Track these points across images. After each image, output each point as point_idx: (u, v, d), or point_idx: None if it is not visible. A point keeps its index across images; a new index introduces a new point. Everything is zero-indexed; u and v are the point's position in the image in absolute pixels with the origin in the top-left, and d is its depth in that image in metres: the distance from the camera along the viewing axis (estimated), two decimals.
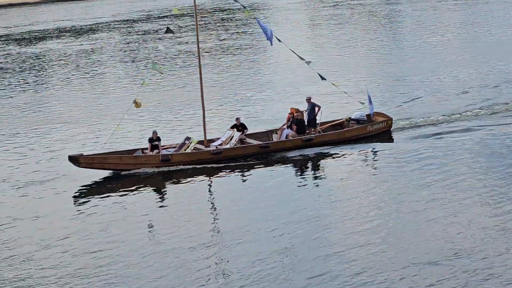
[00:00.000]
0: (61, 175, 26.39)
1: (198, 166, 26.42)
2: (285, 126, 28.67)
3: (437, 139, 28.07)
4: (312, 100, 28.83)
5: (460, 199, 21.71)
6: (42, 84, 45.31)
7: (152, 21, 78.07)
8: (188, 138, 27.54)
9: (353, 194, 22.72)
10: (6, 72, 50.52)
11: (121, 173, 26.22)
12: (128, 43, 61.64)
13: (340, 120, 29.84)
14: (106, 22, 79.98)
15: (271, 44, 28.63)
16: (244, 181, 25.30)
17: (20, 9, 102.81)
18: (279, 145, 27.71)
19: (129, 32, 69.88)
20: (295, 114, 28.54)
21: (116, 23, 78.84)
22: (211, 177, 25.67)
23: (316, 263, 18.03)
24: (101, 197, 24.02)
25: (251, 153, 27.23)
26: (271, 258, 18.47)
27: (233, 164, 26.56)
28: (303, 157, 27.11)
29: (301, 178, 25.20)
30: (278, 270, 17.81)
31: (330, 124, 29.59)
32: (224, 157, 26.88)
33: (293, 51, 29.19)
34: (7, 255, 19.69)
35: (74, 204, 23.70)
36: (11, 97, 42.00)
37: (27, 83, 45.90)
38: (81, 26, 77.66)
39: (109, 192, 24.53)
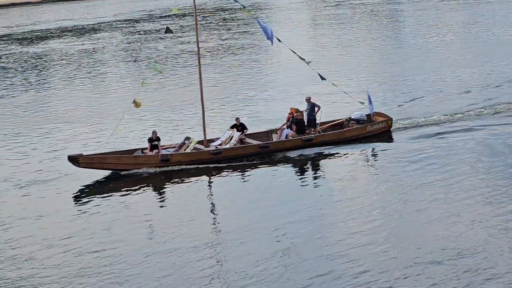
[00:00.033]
0: (61, 175, 26.40)
1: (197, 166, 26.41)
2: (285, 126, 28.66)
3: (437, 139, 28.03)
4: (311, 100, 28.83)
5: (461, 198, 21.69)
6: (43, 84, 45.34)
7: (154, 21, 78.09)
8: (187, 138, 27.53)
9: (353, 194, 22.70)
10: (7, 72, 50.56)
11: (121, 173, 26.22)
12: (129, 43, 61.67)
13: (340, 120, 29.81)
14: (108, 22, 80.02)
15: (272, 44, 28.64)
16: (243, 181, 25.29)
17: (22, 8, 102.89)
18: (278, 145, 27.69)
19: (130, 32, 69.90)
20: (295, 114, 28.52)
21: (117, 22, 78.88)
22: (210, 177, 25.66)
23: (317, 263, 18.01)
24: (101, 197, 24.01)
25: (251, 153, 27.22)
26: (271, 258, 18.45)
27: (232, 164, 26.54)
28: (302, 157, 27.09)
29: (301, 178, 25.18)
30: (278, 270, 17.79)
31: (330, 124, 29.56)
32: (223, 157, 26.87)
33: (293, 51, 29.17)
34: (9, 255, 19.72)
35: (74, 204, 23.70)
36: (13, 96, 42.04)
37: (29, 82, 45.96)
38: (82, 25, 77.70)
39: (108, 192, 24.53)
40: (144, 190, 24.59)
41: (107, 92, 41.68)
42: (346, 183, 23.93)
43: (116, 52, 57.04)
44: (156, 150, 26.85)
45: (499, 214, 20.39)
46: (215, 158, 26.83)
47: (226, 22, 73.11)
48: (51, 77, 47.59)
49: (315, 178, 25.16)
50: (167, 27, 27.71)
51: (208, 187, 25.21)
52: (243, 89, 39.67)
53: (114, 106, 37.14)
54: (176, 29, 68.57)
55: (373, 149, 27.79)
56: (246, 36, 61.87)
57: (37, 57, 56.54)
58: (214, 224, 21.49)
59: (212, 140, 28.05)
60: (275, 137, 28.50)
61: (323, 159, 26.94)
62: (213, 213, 22.48)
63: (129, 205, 23.19)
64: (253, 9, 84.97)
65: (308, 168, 26.50)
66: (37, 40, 67.36)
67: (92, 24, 78.25)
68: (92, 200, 23.81)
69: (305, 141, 27.82)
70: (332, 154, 27.21)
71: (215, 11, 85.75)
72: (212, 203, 23.57)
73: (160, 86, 41.68)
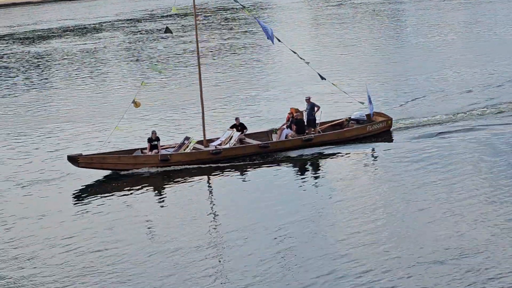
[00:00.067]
0: (61, 174, 26.42)
1: (197, 166, 26.39)
2: (284, 126, 28.63)
3: (438, 138, 28.00)
4: (311, 100, 28.80)
5: (462, 198, 21.68)
6: (44, 84, 45.35)
7: (156, 20, 78.08)
8: (187, 138, 27.51)
9: (353, 194, 22.68)
10: (9, 71, 50.56)
11: (120, 173, 26.21)
12: (131, 43, 61.67)
13: (340, 120, 29.79)
14: (109, 22, 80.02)
15: (273, 43, 28.58)
16: (243, 181, 25.28)
17: (23, 8, 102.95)
18: (278, 145, 27.67)
19: (132, 31, 69.90)
20: (294, 114, 28.49)
21: (119, 22, 78.88)
22: (210, 177, 25.65)
23: (318, 263, 17.99)
24: (100, 197, 24.01)
25: (251, 153, 27.19)
26: (272, 258, 18.44)
27: (232, 164, 26.52)
28: (302, 157, 27.06)
29: (301, 178, 25.16)
30: (279, 270, 17.78)
31: (329, 124, 29.54)
32: (223, 157, 26.85)
33: (293, 51, 29.15)
34: (10, 254, 19.74)
35: (74, 204, 23.70)
36: (14, 96, 42.03)
37: (31, 82, 45.97)
38: (84, 25, 77.72)
39: (108, 192, 24.52)
40: (143, 190, 24.58)
41: (108, 91, 41.69)
42: (345, 183, 23.91)
43: (117, 52, 57.05)
44: (155, 150, 26.83)
45: (501, 213, 20.38)
46: (214, 158, 26.81)
47: (227, 22, 73.10)
48: (53, 77, 47.61)
49: (314, 178, 25.14)
50: (167, 27, 27.70)
51: (208, 187, 25.19)
52: (243, 89, 39.64)
53: (115, 106, 37.14)
54: (177, 28, 68.59)
55: (373, 149, 27.77)
56: (246, 35, 61.85)
57: (38, 57, 56.56)
58: (214, 224, 21.47)
59: (211, 140, 28.03)
60: (275, 137, 28.47)
61: (322, 159, 26.91)
62: (213, 213, 22.47)
63: (128, 205, 23.18)
64: (254, 8, 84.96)
65: (307, 168, 26.47)
66: (39, 40, 67.40)
67: (93, 24, 78.26)
68: (91, 200, 23.81)
69: (304, 141, 27.79)
70: (332, 154, 27.19)
71: (217, 10, 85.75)
72: (211, 203, 23.55)
73: (159, 86, 41.67)
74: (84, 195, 24.54)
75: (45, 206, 23.38)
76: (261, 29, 28.30)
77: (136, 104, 27.13)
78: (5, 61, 55.29)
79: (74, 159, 25.88)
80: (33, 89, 43.71)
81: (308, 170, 26.26)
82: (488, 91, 35.43)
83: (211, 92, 38.12)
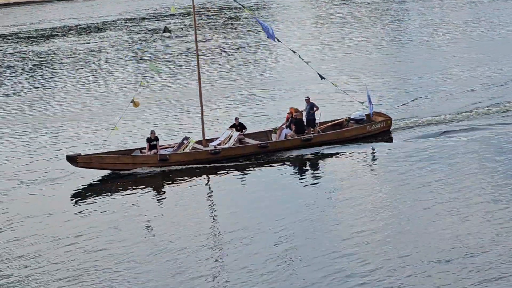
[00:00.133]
0: (61, 174, 26.41)
1: (196, 166, 26.36)
2: (284, 126, 28.58)
3: (438, 138, 27.94)
4: (311, 100, 28.75)
5: (462, 198, 21.67)
6: (47, 83, 45.37)
7: (159, 20, 78.07)
8: (186, 138, 27.48)
9: (352, 194, 22.64)
10: (12, 70, 50.59)
11: (120, 173, 26.19)
12: (134, 42, 61.65)
13: (340, 120, 29.73)
14: (113, 21, 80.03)
15: (274, 41, 28.43)
16: (242, 181, 25.25)
17: (27, 7, 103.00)
18: (277, 145, 27.62)
19: (135, 30, 69.90)
20: (294, 114, 28.44)
21: (122, 21, 78.89)
22: (209, 177, 25.62)
23: (319, 263, 17.98)
24: (100, 197, 24.02)
25: (250, 153, 27.15)
26: (272, 258, 18.44)
27: (231, 164, 26.49)
28: (302, 157, 27.02)
29: (300, 178, 25.13)
30: (279, 270, 17.79)
31: (329, 124, 29.48)
32: (222, 157, 26.81)
33: (292, 51, 29.08)
34: (11, 253, 19.78)
35: (73, 204, 23.73)
36: (18, 95, 42.03)
37: (34, 81, 45.96)
38: (87, 24, 77.74)
39: (107, 192, 24.53)
40: (142, 190, 24.57)
41: (110, 91, 41.67)
42: (345, 183, 23.87)
43: (120, 51, 57.03)
44: (154, 150, 26.81)
45: (507, 212, 20.36)
46: (213, 158, 26.77)
47: (229, 21, 73.07)
48: (55, 76, 47.64)
49: (314, 178, 25.10)
50: (165, 27, 27.67)
51: (207, 187, 25.16)
52: (243, 88, 39.58)
53: (117, 105, 37.11)
54: (180, 27, 68.56)
55: (373, 149, 27.73)
56: (247, 35, 61.77)
57: (41, 56, 56.58)
58: (213, 224, 21.47)
59: (211, 140, 27.99)
60: (274, 137, 28.43)
61: (322, 159, 26.86)
62: (212, 213, 22.45)
63: (127, 205, 23.15)
64: (257, 8, 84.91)
65: (307, 168, 26.43)
66: (42, 39, 67.43)
67: (97, 23, 78.27)
68: (90, 200, 23.82)
69: (304, 141, 27.74)
70: (331, 154, 27.14)
71: (220, 10, 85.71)
72: (210, 203, 23.53)
73: (159, 86, 41.63)
74: (83, 195, 24.54)
75: (45, 206, 23.40)
76: (262, 28, 28.20)
77: (135, 103, 27.10)
78: (8, 60, 55.33)
79: (73, 159, 25.87)
80: (35, 88, 43.72)
81: (308, 170, 26.22)
82: (492, 90, 35.33)
83: (211, 91, 38.10)
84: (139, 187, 24.81)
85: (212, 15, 79.96)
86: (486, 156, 25.43)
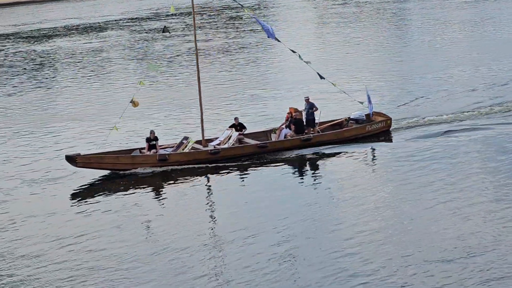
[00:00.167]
0: (61, 174, 26.43)
1: (195, 166, 26.34)
2: (283, 126, 28.56)
3: (438, 138, 27.91)
4: (310, 100, 28.72)
5: (463, 197, 21.67)
6: (49, 82, 45.39)
7: (161, 19, 78.04)
8: (186, 138, 27.47)
9: (352, 194, 22.64)
10: (14, 70, 50.62)
11: (119, 173, 26.18)
12: (136, 42, 61.65)
13: (339, 120, 29.70)
14: (115, 20, 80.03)
15: (275, 40, 28.39)
16: (241, 181, 25.24)
17: (29, 7, 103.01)
18: (277, 145, 27.59)
19: (137, 30, 69.89)
20: (293, 114, 28.42)
21: (124, 21, 78.89)
22: (209, 177, 25.61)
23: (319, 263, 17.98)
24: (100, 197, 24.05)
25: (249, 153, 27.13)
26: (272, 258, 18.44)
27: (231, 164, 26.47)
28: (301, 157, 27.00)
29: (299, 178, 25.12)
30: (280, 270, 17.80)
31: (329, 123, 29.46)
32: (221, 157, 26.80)
33: (292, 51, 29.06)
34: (11, 253, 19.80)
35: (72, 204, 23.75)
36: (20, 94, 42.05)
37: (35, 81, 45.98)
38: (89, 24, 77.74)
39: (106, 192, 24.53)
40: (142, 190, 24.57)
41: (112, 90, 41.65)
42: (344, 183, 23.87)
43: (122, 51, 57.03)
44: (154, 150, 26.80)
45: (509, 212, 20.34)
46: (213, 158, 26.75)
47: (230, 21, 73.05)
48: (57, 76, 47.66)
49: (313, 178, 25.09)
50: (165, 27, 27.66)
51: (206, 187, 25.15)
52: (242, 88, 39.54)
53: (117, 105, 37.10)
54: (181, 27, 68.56)
55: (372, 149, 27.70)
56: (248, 35, 61.72)
57: (43, 56, 56.60)
58: (212, 224, 21.47)
59: (210, 140, 27.98)
60: (273, 137, 28.40)
61: (321, 159, 26.84)
62: (211, 213, 22.45)
63: (126, 205, 23.17)
64: (258, 7, 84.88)
65: (306, 168, 26.41)
66: (43, 39, 67.45)
67: (98, 23, 78.28)
68: (91, 199, 23.84)
69: (303, 141, 27.71)
70: (331, 154, 27.12)
71: (221, 9, 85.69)
72: (210, 203, 23.53)
73: (158, 86, 41.62)
74: (84, 195, 24.57)
75: (46, 206, 23.43)
76: (262, 28, 28.18)
77: (134, 103, 27.10)
78: (9, 60, 55.36)
79: (72, 159, 25.87)
80: (37, 87, 43.73)
81: (307, 170, 26.20)
82: (493, 90, 35.27)
83: (211, 91, 38.08)
84: (139, 187, 24.80)
85: (213, 14, 79.94)
86: (488, 156, 25.42)
